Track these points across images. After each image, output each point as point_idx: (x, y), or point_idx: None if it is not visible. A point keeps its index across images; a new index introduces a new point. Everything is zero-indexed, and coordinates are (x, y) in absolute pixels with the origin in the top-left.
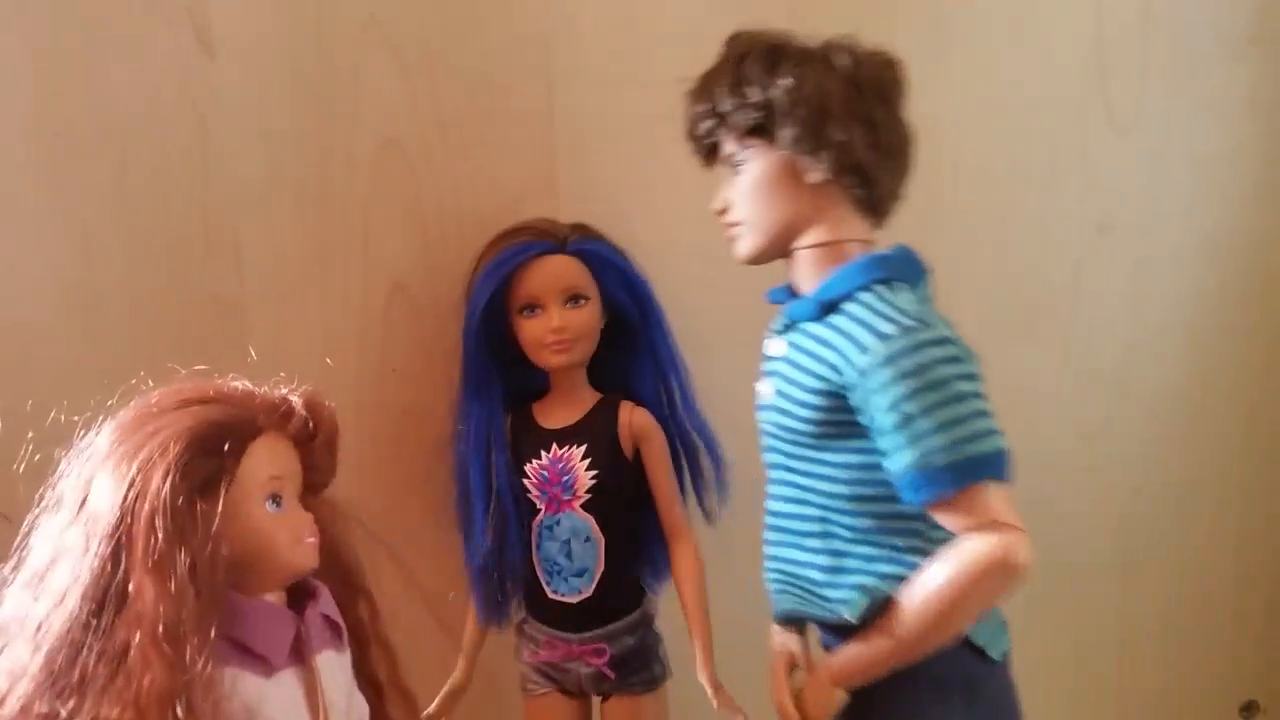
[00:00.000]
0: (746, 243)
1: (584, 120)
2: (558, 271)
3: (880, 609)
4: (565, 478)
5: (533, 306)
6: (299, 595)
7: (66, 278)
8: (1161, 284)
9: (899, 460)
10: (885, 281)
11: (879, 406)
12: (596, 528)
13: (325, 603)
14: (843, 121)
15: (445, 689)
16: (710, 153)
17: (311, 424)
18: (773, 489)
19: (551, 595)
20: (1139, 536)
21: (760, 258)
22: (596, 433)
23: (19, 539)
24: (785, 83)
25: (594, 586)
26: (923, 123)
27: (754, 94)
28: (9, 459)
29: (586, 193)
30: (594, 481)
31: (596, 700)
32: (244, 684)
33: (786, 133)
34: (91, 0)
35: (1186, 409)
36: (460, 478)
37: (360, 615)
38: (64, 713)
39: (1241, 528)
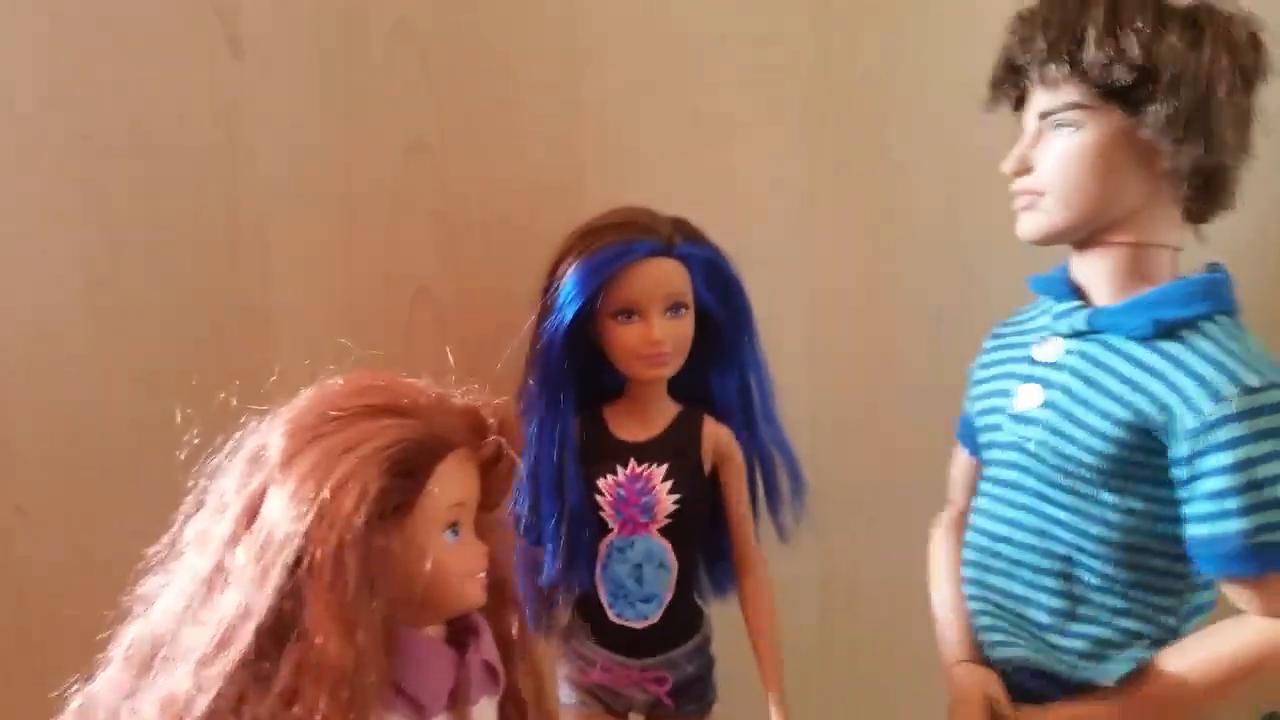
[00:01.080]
0: (1046, 218)
1: (611, 122)
2: (663, 277)
3: (1136, 674)
4: (645, 499)
5: (630, 312)
6: (460, 631)
7: (96, 279)
8: None
9: (1224, 526)
10: (1230, 313)
11: (1218, 464)
12: (672, 554)
13: (487, 646)
14: (1224, 113)
15: None
16: (1019, 90)
17: (504, 445)
18: (1003, 511)
19: (614, 619)
20: None
21: (1056, 238)
22: (679, 451)
23: (173, 530)
24: (1176, 48)
25: (661, 615)
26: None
27: (1134, 48)
28: (29, 456)
29: (613, 195)
30: (676, 507)
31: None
32: None
33: (1157, 109)
34: (121, 4)
35: None
36: (531, 488)
37: (509, 630)
38: None
39: None
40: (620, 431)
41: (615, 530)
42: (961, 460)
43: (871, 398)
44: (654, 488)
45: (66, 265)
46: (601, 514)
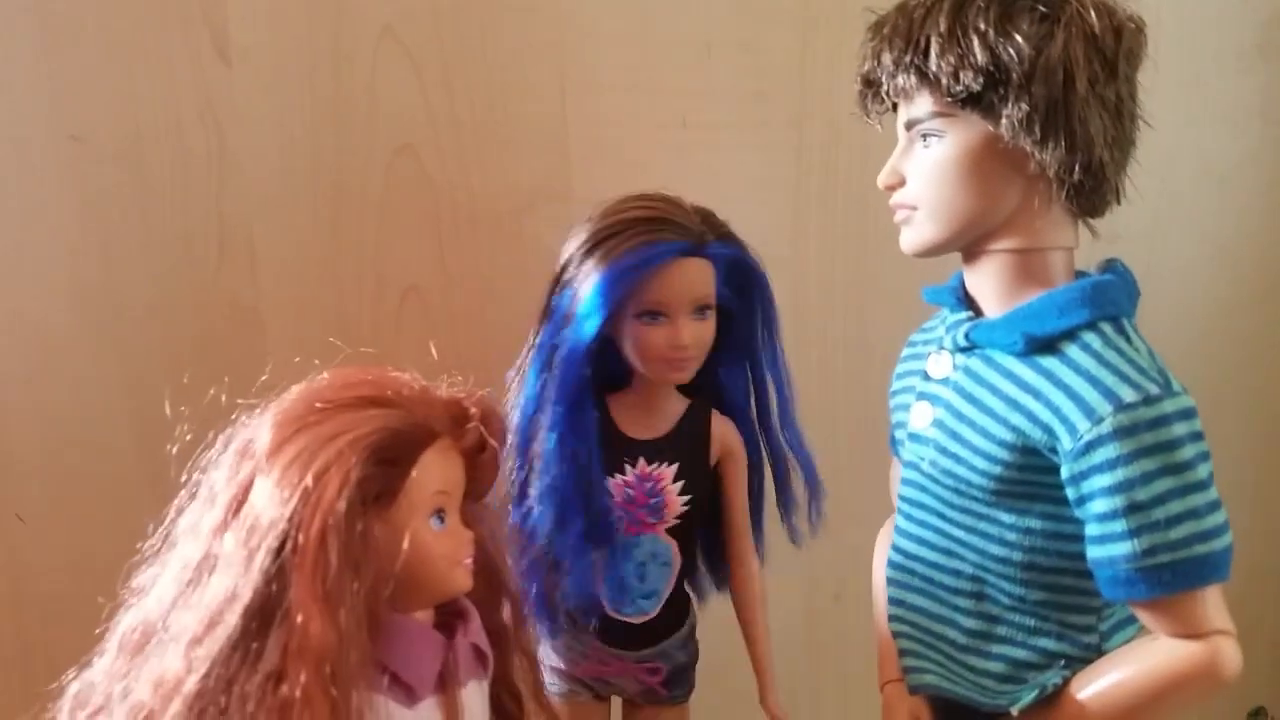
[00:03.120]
0: (921, 232)
1: (598, 126)
2: (694, 279)
3: (1047, 700)
4: (654, 500)
5: (656, 314)
6: (447, 613)
7: (86, 282)
8: (1172, 292)
9: (1111, 550)
10: (1114, 318)
11: (1099, 486)
12: (677, 551)
13: (475, 630)
14: (1088, 105)
15: None
16: (883, 104)
17: (485, 434)
18: (913, 529)
19: (612, 614)
20: None
21: (934, 251)
22: (688, 449)
23: (166, 522)
24: (1022, 45)
25: (659, 609)
26: None
27: (979, 53)
28: (26, 461)
29: (600, 198)
30: (686, 509)
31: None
32: (386, 712)
33: (1013, 110)
34: (110, 10)
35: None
36: (555, 502)
37: (503, 619)
38: None
39: (1251, 534)
40: (628, 428)
41: (621, 529)
42: (897, 468)
43: (859, 399)
44: (663, 489)
45: (56, 268)
46: (610, 517)
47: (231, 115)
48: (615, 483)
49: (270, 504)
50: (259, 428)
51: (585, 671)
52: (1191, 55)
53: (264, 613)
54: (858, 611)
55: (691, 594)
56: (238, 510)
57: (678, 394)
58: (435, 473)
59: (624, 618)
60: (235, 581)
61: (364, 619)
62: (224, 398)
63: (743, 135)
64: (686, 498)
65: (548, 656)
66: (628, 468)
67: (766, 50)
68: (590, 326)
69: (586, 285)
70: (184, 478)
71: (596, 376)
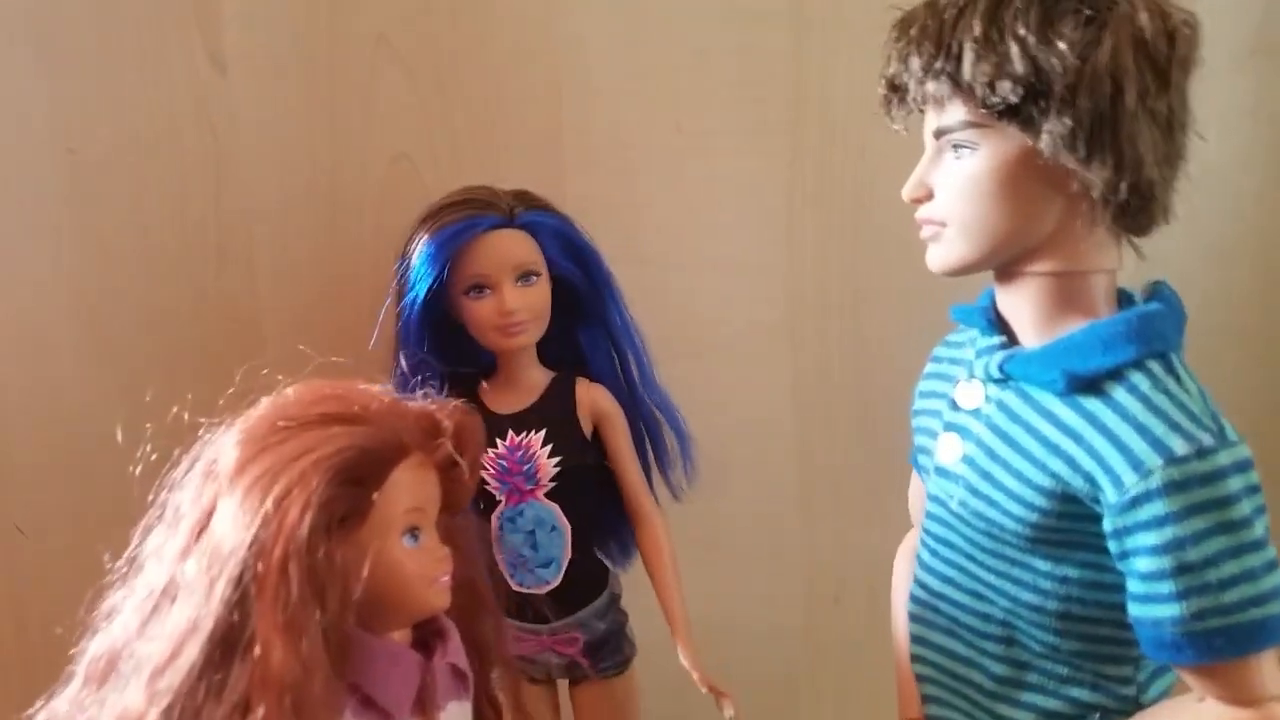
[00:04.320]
0: (952, 250)
1: (593, 134)
2: (508, 248)
3: None
4: (527, 466)
5: (481, 287)
6: (426, 634)
7: (85, 292)
8: None
9: (1157, 611)
10: (1162, 355)
11: (1146, 544)
12: (562, 515)
13: (454, 649)
14: (1137, 120)
15: None
16: (909, 111)
17: (459, 451)
18: (939, 567)
19: (516, 588)
20: None
21: (965, 270)
22: (555, 416)
23: (132, 546)
24: (1065, 52)
25: (561, 575)
26: None
27: (1018, 61)
28: (25, 471)
29: (595, 207)
30: (558, 469)
31: (562, 683)
32: None
33: (1055, 125)
34: (106, 20)
35: None
36: None
37: (485, 633)
38: None
39: None
40: (495, 405)
41: (503, 501)
42: (916, 484)
43: (857, 400)
44: (534, 454)
45: (54, 278)
46: (487, 487)
47: (227, 124)
48: (488, 457)
49: (231, 530)
50: (223, 446)
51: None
52: None
53: (226, 643)
54: (857, 613)
55: (608, 563)
56: (200, 534)
57: (542, 368)
58: (407, 490)
59: (528, 589)
60: (197, 611)
61: (330, 646)
62: (191, 413)
63: (737, 140)
64: (557, 459)
65: None
66: (498, 441)
67: (760, 55)
68: (418, 292)
69: (413, 260)
70: (151, 496)
71: (467, 371)
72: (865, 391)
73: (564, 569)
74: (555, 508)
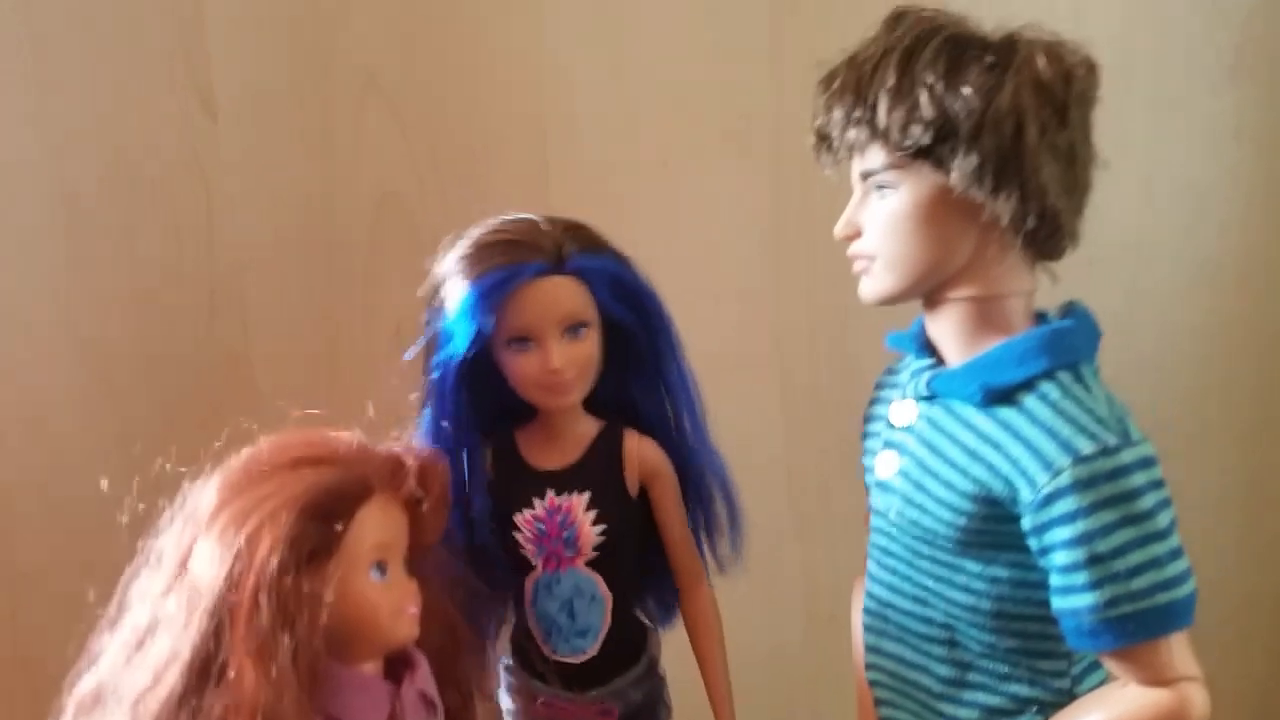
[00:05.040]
0: (879, 282)
1: (579, 171)
2: (555, 299)
3: None
4: (566, 533)
5: (524, 339)
6: (396, 665)
7: (80, 335)
8: (1152, 312)
9: (1074, 601)
10: (1071, 366)
11: (1060, 538)
12: (603, 585)
13: (423, 677)
14: (1039, 154)
15: None
16: (836, 157)
17: (423, 488)
18: (884, 577)
19: (550, 655)
20: None
21: (892, 300)
22: (600, 476)
23: (119, 590)
24: (970, 96)
25: (599, 645)
26: None
27: (927, 107)
28: (21, 513)
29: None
30: (602, 539)
31: None
32: None
33: (964, 162)
34: (96, 67)
35: (1180, 436)
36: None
37: (466, 670)
38: None
39: (1239, 550)
40: (535, 459)
41: (539, 567)
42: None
43: (845, 420)
44: (575, 520)
45: (49, 323)
46: (522, 551)
47: (218, 167)
48: (524, 518)
49: (207, 566)
50: (203, 493)
51: (538, 715)
52: (1167, 77)
53: (203, 670)
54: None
55: (648, 623)
56: (180, 574)
57: (588, 417)
58: (373, 526)
59: (562, 658)
60: (176, 642)
61: (300, 672)
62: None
63: (721, 174)
64: (601, 527)
65: (504, 699)
66: (536, 501)
67: (742, 90)
68: (458, 348)
69: (451, 307)
70: (140, 543)
71: (505, 410)
72: (854, 411)
73: (602, 638)
74: (597, 578)
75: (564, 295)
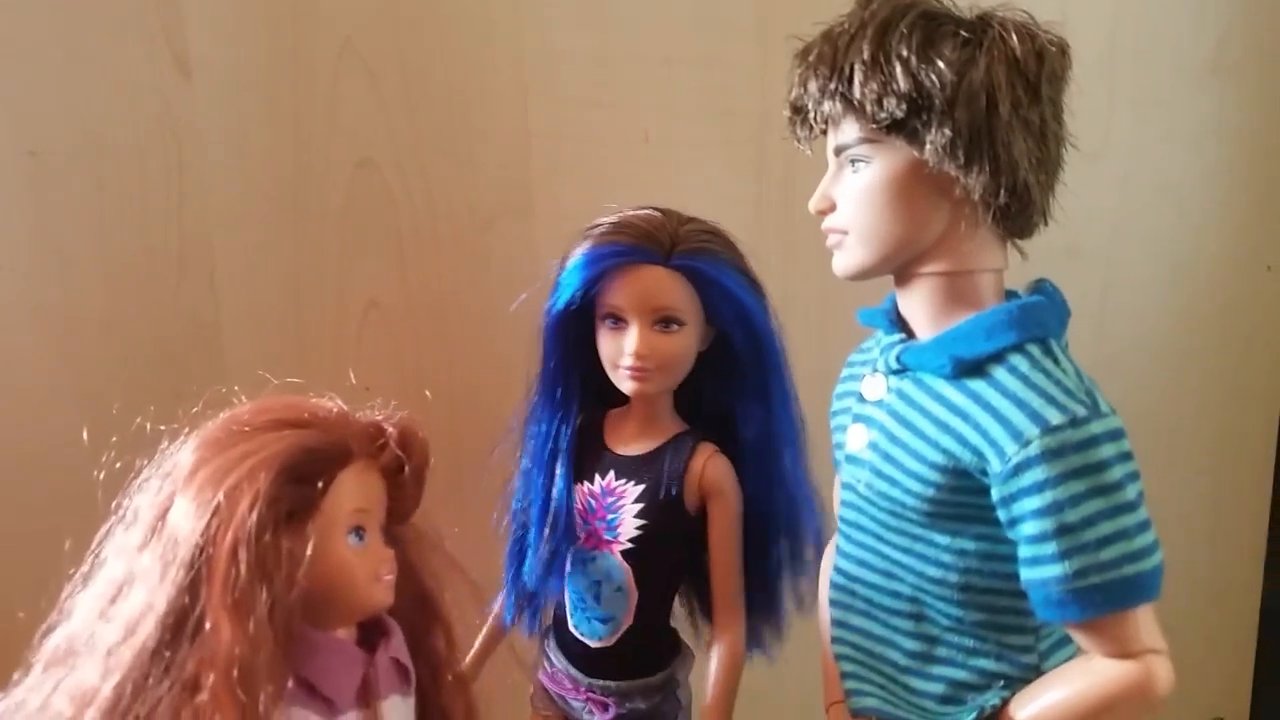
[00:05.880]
0: (852, 256)
1: (559, 142)
2: (650, 288)
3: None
4: (610, 516)
5: (617, 319)
6: (370, 632)
7: (44, 299)
8: (1128, 307)
9: (1043, 572)
10: (1041, 340)
11: (1029, 508)
12: (632, 580)
13: (396, 645)
14: (1011, 129)
15: None
16: (811, 131)
17: (403, 455)
18: (853, 551)
19: (570, 628)
20: None
21: (865, 275)
22: (659, 475)
23: (91, 549)
24: (944, 71)
25: (616, 639)
26: None
27: (901, 79)
28: None
29: (561, 214)
30: (640, 531)
31: None
32: None
33: (937, 136)
34: (68, 23)
35: (1153, 431)
36: (523, 483)
37: (436, 645)
38: None
39: (1210, 547)
40: (611, 440)
41: (581, 539)
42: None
43: (824, 407)
44: (622, 506)
45: (12, 282)
46: (573, 519)
47: (191, 128)
48: (582, 490)
49: (185, 520)
50: (181, 452)
51: (547, 684)
52: (1148, 75)
53: (179, 623)
54: None
55: (684, 648)
56: (157, 529)
57: (674, 418)
58: (352, 491)
59: (579, 635)
60: (151, 594)
61: (276, 629)
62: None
63: (705, 150)
64: (641, 522)
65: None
66: (596, 478)
67: (727, 66)
68: (560, 299)
69: (568, 265)
70: (114, 503)
71: (606, 392)
72: (829, 403)
73: (621, 633)
74: (627, 569)
75: (662, 286)
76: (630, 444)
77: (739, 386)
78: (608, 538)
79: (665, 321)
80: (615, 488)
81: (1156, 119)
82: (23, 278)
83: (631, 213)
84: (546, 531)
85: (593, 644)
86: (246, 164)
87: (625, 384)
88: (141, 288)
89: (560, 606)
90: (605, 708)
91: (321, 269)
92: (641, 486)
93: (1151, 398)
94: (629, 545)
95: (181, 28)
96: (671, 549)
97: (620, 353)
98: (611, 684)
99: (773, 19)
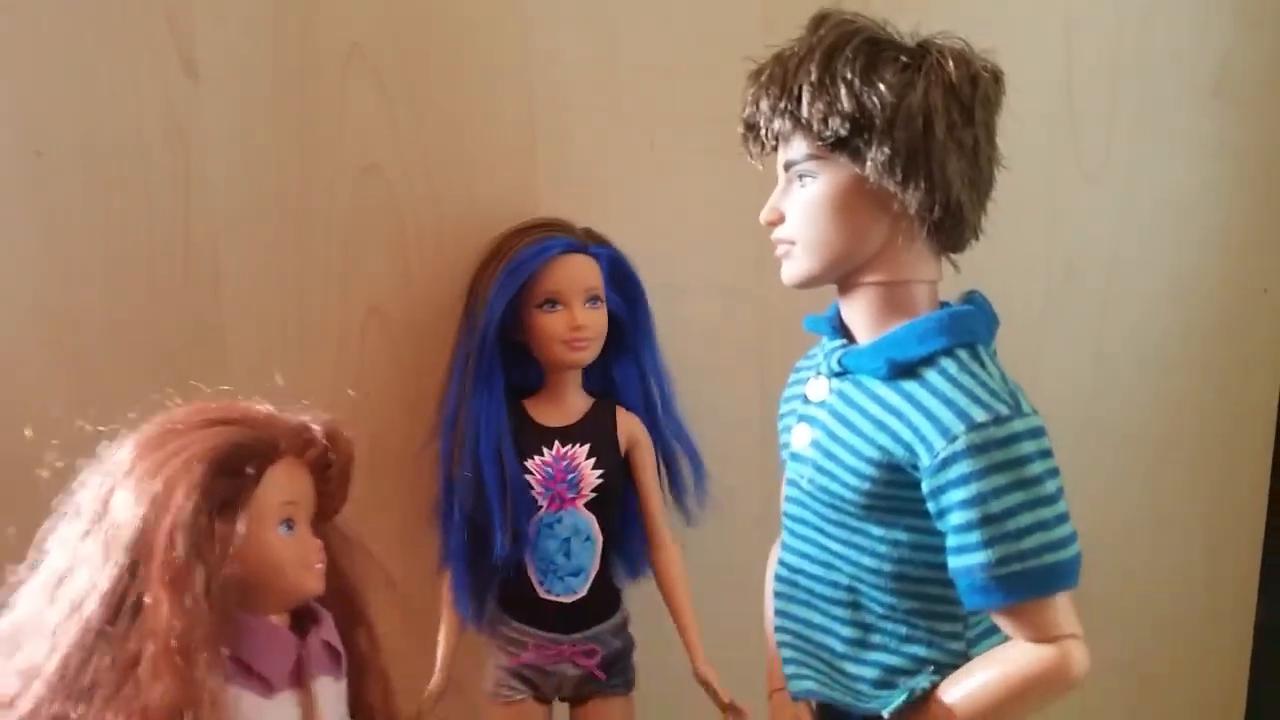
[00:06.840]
0: (798, 265)
1: (565, 147)
2: (582, 271)
3: (916, 704)
4: (570, 476)
5: (554, 302)
6: (302, 619)
7: (48, 299)
8: (1128, 325)
9: (968, 560)
10: (969, 345)
11: (955, 499)
12: (597, 527)
13: (327, 629)
14: (946, 149)
15: (427, 694)
16: (763, 147)
17: (329, 452)
18: (795, 544)
19: (544, 595)
20: (1104, 574)
21: (810, 283)
22: (599, 434)
23: (35, 544)
24: (884, 93)
25: (588, 587)
26: None
27: (845, 100)
28: None
29: (568, 219)
30: (600, 481)
31: (560, 706)
32: (245, 703)
33: (876, 154)
34: (76, 23)
35: (1153, 449)
36: (474, 470)
37: (360, 643)
38: (74, 716)
39: (1209, 564)
40: (542, 419)
41: (544, 507)
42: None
43: None
44: (578, 465)
45: (17, 283)
46: (531, 492)
47: (197, 131)
48: (535, 463)
49: (126, 508)
50: (120, 451)
51: (525, 661)
52: (1150, 95)
53: (121, 601)
54: None
55: (620, 588)
56: (99, 518)
57: (583, 393)
58: (281, 484)
59: (554, 597)
60: (94, 574)
61: (212, 605)
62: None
63: (708, 160)
64: (599, 472)
65: (492, 656)
66: (545, 450)
67: (732, 75)
68: (498, 306)
69: (493, 279)
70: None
71: (513, 383)
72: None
73: (590, 580)
74: (592, 518)
75: (588, 270)
76: (560, 418)
77: (620, 352)
78: (570, 495)
79: (594, 299)
80: (566, 453)
81: (1157, 140)
82: (28, 278)
83: (531, 222)
84: (508, 502)
85: (568, 600)
86: (252, 167)
87: (568, 355)
88: (146, 289)
89: (525, 586)
90: (592, 654)
91: (325, 272)
92: (588, 446)
93: (1150, 415)
94: (592, 496)
95: (189, 30)
96: (617, 492)
97: (564, 328)
98: (590, 631)
99: (777, 27)
